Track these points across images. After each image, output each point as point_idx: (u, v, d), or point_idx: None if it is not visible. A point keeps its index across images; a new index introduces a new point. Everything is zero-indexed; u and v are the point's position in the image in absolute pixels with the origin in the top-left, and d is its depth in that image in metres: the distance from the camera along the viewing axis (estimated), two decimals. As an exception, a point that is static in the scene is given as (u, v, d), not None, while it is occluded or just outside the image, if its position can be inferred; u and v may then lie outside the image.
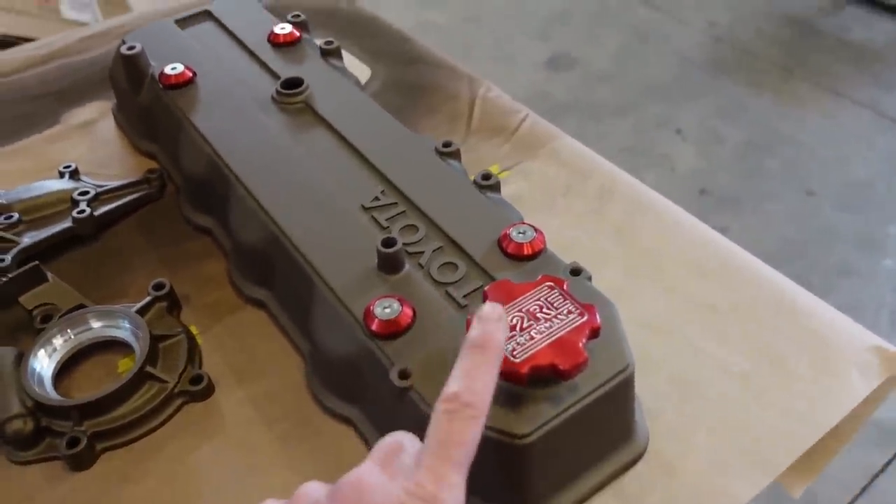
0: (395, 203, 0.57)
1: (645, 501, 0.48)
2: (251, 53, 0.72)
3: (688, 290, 0.61)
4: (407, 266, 0.51)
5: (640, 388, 0.53)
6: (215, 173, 0.62)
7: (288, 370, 0.56)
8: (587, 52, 2.36)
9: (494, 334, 0.38)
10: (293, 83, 0.67)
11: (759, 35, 2.39)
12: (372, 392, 0.49)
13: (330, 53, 0.72)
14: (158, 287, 0.60)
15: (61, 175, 0.71)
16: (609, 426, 0.48)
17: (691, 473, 0.50)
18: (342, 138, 0.63)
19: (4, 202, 0.66)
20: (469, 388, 0.34)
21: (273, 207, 0.57)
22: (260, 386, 0.56)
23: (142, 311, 0.58)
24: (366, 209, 0.56)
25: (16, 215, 0.65)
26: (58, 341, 0.56)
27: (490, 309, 0.39)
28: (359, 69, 0.83)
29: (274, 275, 0.58)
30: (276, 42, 0.73)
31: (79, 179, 0.71)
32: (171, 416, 0.54)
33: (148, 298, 0.59)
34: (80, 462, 0.51)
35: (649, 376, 0.54)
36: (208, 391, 0.55)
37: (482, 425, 0.34)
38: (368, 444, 0.51)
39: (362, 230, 0.55)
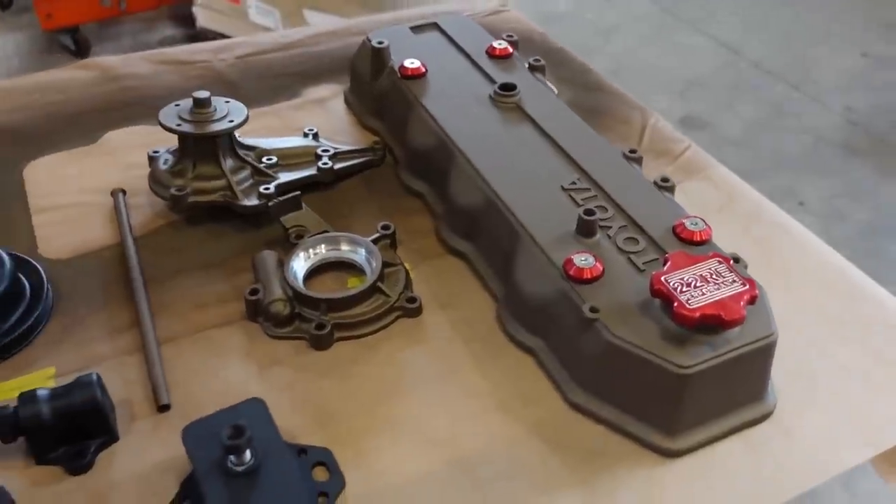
0: (589, 188, 0.70)
1: (765, 450, 0.59)
2: (472, 61, 0.88)
3: (817, 301, 0.72)
4: (598, 234, 0.65)
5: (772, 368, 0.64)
6: (440, 148, 0.78)
7: (480, 305, 0.71)
8: (721, 117, 2.46)
9: None
10: (509, 87, 0.82)
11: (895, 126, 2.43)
12: (558, 326, 0.63)
13: (536, 69, 0.87)
14: (385, 227, 0.75)
15: (305, 135, 0.88)
16: (748, 381, 0.59)
17: (807, 438, 0.60)
18: (546, 134, 0.77)
19: (266, 147, 0.83)
20: None
21: (491, 178, 0.71)
22: (457, 313, 0.70)
23: (373, 241, 0.73)
24: (564, 189, 0.70)
25: (274, 158, 0.82)
26: (314, 250, 0.72)
27: None
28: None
29: (480, 232, 0.73)
30: (492, 54, 0.88)
31: (318, 140, 0.88)
32: (389, 324, 0.69)
33: (377, 234, 0.74)
34: (321, 343, 0.66)
35: (779, 362, 0.65)
36: (419, 310, 0.70)
37: None
38: (545, 369, 0.64)
39: (562, 204, 0.69)
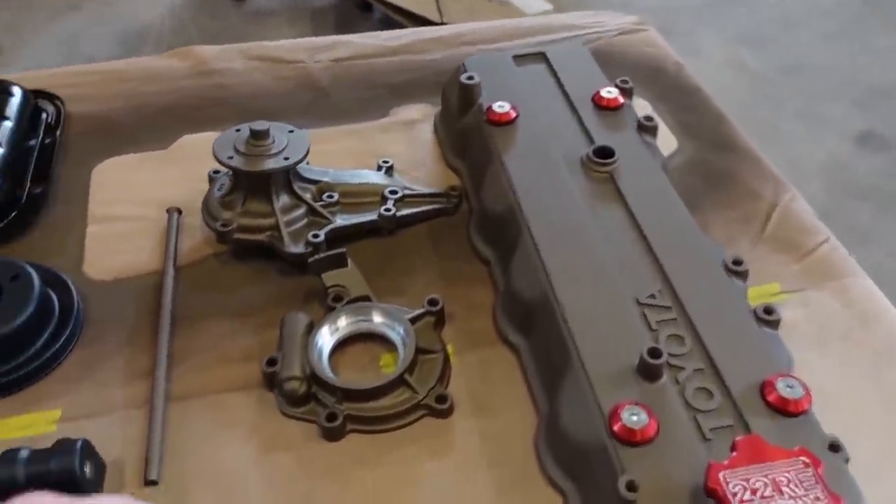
0: (669, 307, 0.58)
1: None
2: (573, 108, 0.76)
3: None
4: (664, 377, 0.53)
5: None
6: (511, 217, 0.67)
7: (520, 418, 0.61)
8: (907, 139, 2.14)
9: None
10: (605, 152, 0.70)
11: None
12: (594, 483, 0.52)
13: (646, 130, 0.74)
14: (433, 303, 0.66)
15: (379, 168, 0.80)
16: None
17: None
18: (635, 222, 0.65)
19: (330, 182, 0.76)
20: None
21: (555, 271, 0.61)
22: (492, 423, 0.61)
23: (413, 320, 0.65)
24: (639, 304, 0.59)
25: (336, 195, 0.75)
26: (342, 322, 0.65)
27: None
28: (666, 139, 0.84)
29: (534, 330, 0.63)
30: (598, 103, 0.76)
31: (391, 176, 0.80)
32: (410, 423, 0.61)
33: (421, 310, 0.66)
34: (332, 434, 0.59)
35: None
36: (448, 412, 0.61)
37: None
38: (573, 523, 0.54)
39: (630, 325, 0.57)
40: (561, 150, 0.72)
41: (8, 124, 0.81)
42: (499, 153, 0.71)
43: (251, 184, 0.71)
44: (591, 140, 0.72)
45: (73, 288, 0.69)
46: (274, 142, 0.71)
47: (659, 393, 0.52)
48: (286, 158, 0.70)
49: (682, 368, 0.54)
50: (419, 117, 0.89)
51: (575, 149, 0.72)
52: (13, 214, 0.77)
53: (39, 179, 0.81)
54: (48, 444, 0.57)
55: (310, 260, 0.68)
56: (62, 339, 0.66)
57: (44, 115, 0.89)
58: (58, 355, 0.65)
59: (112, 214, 0.78)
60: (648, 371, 0.53)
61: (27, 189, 0.79)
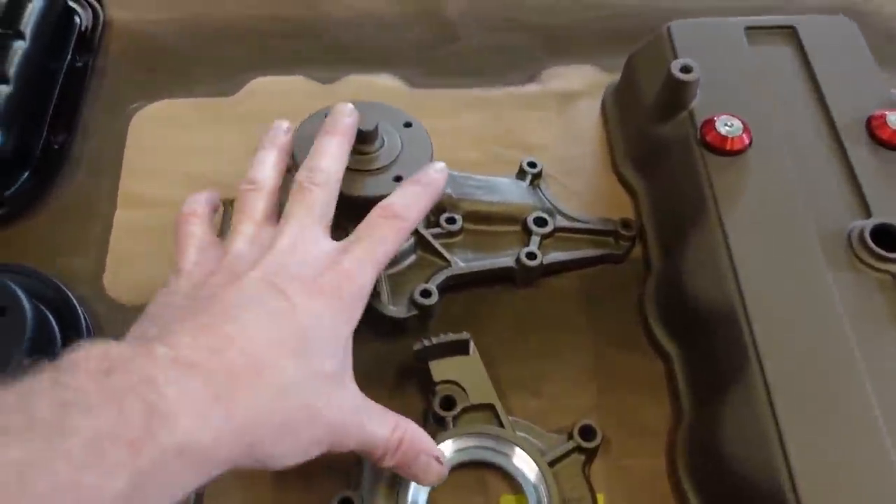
0: None
1: None
2: (837, 137, 0.50)
3: None
4: None
5: None
6: (724, 318, 0.44)
7: None
8: None
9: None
10: (891, 236, 0.44)
11: None
12: None
13: (955, 194, 0.47)
14: (586, 434, 0.45)
15: (521, 173, 0.56)
16: None
17: None
18: (936, 376, 0.41)
19: (454, 197, 0.52)
20: (401, 204, 0.41)
21: (798, 446, 0.38)
22: None
23: (554, 461, 0.44)
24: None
25: (459, 220, 0.52)
26: (447, 450, 0.44)
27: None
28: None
29: (743, 519, 0.41)
30: (878, 135, 0.49)
31: (537, 189, 0.56)
32: None
33: (569, 445, 0.44)
34: None
35: None
36: None
37: (405, 233, 0.41)
38: None
39: None
40: (817, 217, 0.46)
41: (21, 45, 0.59)
42: (716, 204, 0.47)
43: (342, 206, 0.48)
44: (865, 207, 0.46)
45: (83, 320, 0.50)
46: (383, 145, 0.47)
47: None
48: (397, 178, 0.47)
49: None
50: (581, 88, 0.63)
51: (838, 219, 0.46)
52: (22, 178, 0.57)
53: (62, 125, 0.60)
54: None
55: (416, 348, 0.46)
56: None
57: (76, 20, 0.66)
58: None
59: (149, 196, 0.57)
60: None
61: (43, 139, 0.58)
